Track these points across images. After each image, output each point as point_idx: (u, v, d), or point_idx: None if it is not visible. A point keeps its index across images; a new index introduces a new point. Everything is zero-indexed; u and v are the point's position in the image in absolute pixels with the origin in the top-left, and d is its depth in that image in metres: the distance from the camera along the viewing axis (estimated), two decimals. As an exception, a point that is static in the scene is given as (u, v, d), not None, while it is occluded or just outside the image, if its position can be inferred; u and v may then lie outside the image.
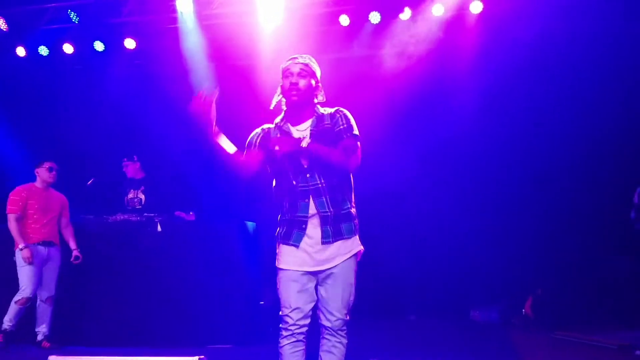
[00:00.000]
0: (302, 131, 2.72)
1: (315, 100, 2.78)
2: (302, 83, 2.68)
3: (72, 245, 5.16)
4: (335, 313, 2.68)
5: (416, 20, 6.24)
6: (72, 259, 5.09)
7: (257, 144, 2.82)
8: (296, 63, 2.72)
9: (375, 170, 6.36)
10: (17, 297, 4.82)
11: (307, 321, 2.69)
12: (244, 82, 6.66)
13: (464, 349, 4.79)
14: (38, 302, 4.97)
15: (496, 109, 6.32)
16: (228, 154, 2.77)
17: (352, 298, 2.73)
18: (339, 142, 2.68)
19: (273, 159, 2.71)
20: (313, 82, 2.73)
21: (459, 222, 6.41)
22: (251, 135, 2.89)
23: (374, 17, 6.24)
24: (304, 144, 2.59)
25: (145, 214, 5.48)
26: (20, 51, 6.95)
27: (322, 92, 2.81)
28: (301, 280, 2.68)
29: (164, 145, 6.94)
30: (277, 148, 2.58)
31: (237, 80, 6.77)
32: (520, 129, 6.30)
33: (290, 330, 2.65)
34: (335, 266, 2.68)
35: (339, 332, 2.70)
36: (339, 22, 6.34)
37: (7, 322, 4.83)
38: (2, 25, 6.50)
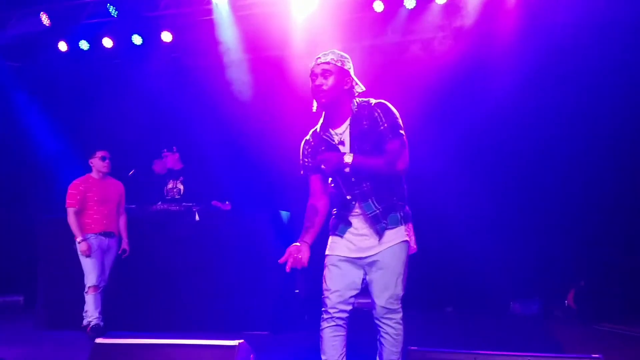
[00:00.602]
0: (340, 134, 2.73)
1: (350, 94, 2.74)
2: (328, 83, 2.65)
3: (124, 236, 5.22)
4: (376, 300, 2.69)
5: (452, 3, 6.11)
6: (119, 251, 5.18)
7: (310, 163, 2.84)
8: (318, 64, 2.70)
9: (411, 159, 6.30)
10: (85, 289, 4.95)
11: (348, 307, 2.73)
12: (278, 72, 6.67)
13: (504, 341, 4.70)
14: None
15: (539, 95, 6.12)
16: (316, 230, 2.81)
17: (399, 287, 2.71)
18: (383, 144, 2.66)
19: (324, 172, 2.76)
20: (339, 78, 2.67)
21: (500, 213, 6.26)
22: (301, 149, 2.91)
23: (409, 2, 6.13)
24: (348, 159, 2.61)
25: (184, 204, 5.57)
26: (62, 46, 7.13)
27: (357, 83, 2.76)
28: (342, 265, 2.73)
29: (200, 137, 7.03)
30: (323, 167, 2.66)
31: (271, 71, 6.79)
32: (565, 116, 6.10)
33: (330, 313, 2.70)
34: (377, 253, 2.69)
35: (384, 320, 2.69)
36: (372, 9, 6.26)
37: (88, 316, 4.90)
38: (45, 21, 6.67)
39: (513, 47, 6.04)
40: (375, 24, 6.50)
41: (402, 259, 2.72)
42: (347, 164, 2.62)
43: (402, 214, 2.74)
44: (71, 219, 5.01)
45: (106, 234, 5.08)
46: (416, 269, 6.42)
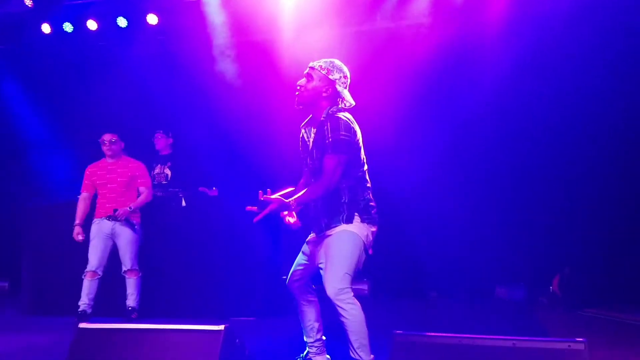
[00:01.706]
0: (312, 136, 3.02)
1: (330, 103, 2.96)
2: (307, 85, 2.94)
3: (132, 206, 4.91)
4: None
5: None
6: (131, 225, 4.92)
7: (300, 153, 3.17)
8: (309, 66, 2.98)
9: (396, 146, 6.29)
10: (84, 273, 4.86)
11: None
12: (266, 57, 6.61)
13: (488, 326, 4.74)
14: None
15: (530, 81, 6.11)
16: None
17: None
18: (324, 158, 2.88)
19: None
20: (318, 84, 2.92)
21: (486, 198, 6.29)
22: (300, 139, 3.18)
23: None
24: (293, 206, 2.84)
25: (170, 189, 5.53)
26: (46, 28, 6.99)
27: (344, 97, 2.96)
28: None
29: (188, 121, 6.96)
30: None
31: (260, 56, 6.72)
32: (554, 104, 6.10)
33: None
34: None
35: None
36: (361, -7, 6.20)
37: (80, 301, 4.77)
38: (28, 2, 6.52)
39: (505, 32, 6.01)
40: (363, 9, 6.44)
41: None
42: (292, 208, 2.86)
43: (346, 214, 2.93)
44: (78, 204, 4.97)
45: (110, 218, 4.87)
46: (401, 254, 6.52)
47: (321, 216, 2.98)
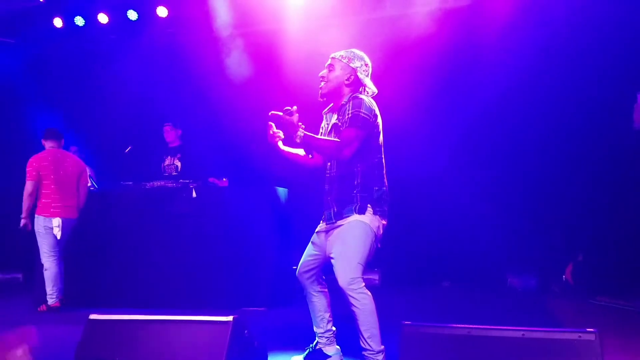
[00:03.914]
0: (331, 121, 3.03)
1: (353, 90, 2.97)
2: (329, 76, 2.98)
3: None
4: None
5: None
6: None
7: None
8: (330, 57, 3.02)
9: (409, 135, 6.25)
10: None
11: None
12: (275, 46, 6.59)
13: (501, 315, 4.72)
14: None
15: (540, 73, 6.03)
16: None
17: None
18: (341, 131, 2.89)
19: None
20: (340, 73, 2.97)
21: (499, 187, 6.25)
22: None
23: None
24: (300, 133, 2.81)
25: (181, 180, 5.55)
26: (58, 22, 7.05)
27: (366, 84, 2.98)
28: None
29: (197, 113, 6.98)
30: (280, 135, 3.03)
31: (268, 45, 6.70)
32: (565, 95, 6.02)
33: None
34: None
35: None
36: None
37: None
38: (39, -4, 6.57)
39: (520, 20, 5.93)
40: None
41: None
42: (297, 137, 2.82)
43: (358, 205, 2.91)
44: None
45: None
46: (414, 244, 6.50)
47: (333, 203, 2.96)
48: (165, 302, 5.06)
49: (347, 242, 2.85)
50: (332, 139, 2.93)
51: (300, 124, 2.81)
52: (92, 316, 2.56)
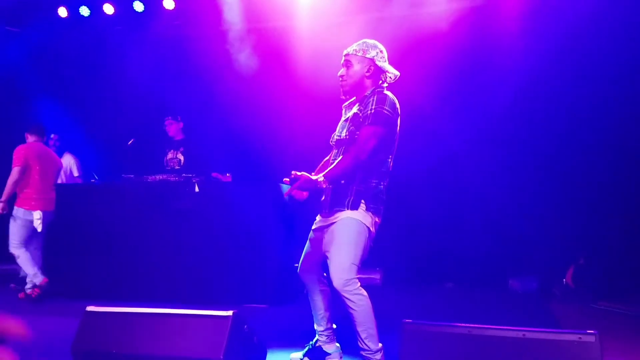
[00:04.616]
0: (349, 114, 2.98)
1: (374, 79, 2.95)
2: (348, 72, 2.95)
3: None
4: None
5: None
6: None
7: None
8: (343, 55, 2.99)
9: (412, 134, 6.23)
10: None
11: None
12: (282, 43, 6.56)
13: (501, 317, 4.70)
14: None
15: (546, 76, 6.00)
16: None
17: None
18: (360, 128, 2.85)
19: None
20: (359, 67, 2.93)
21: (501, 190, 6.22)
22: None
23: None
24: (322, 184, 2.75)
25: (184, 174, 5.53)
26: (62, 12, 7.03)
27: (387, 69, 2.95)
28: None
29: (202, 107, 6.96)
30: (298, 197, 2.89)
31: (275, 42, 6.68)
32: (569, 97, 5.99)
33: None
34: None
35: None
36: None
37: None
38: (44, -14, 6.55)
39: (531, 20, 5.89)
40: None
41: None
42: (322, 188, 2.78)
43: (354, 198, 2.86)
44: None
45: None
46: (416, 244, 6.47)
47: (327, 193, 2.94)
48: (166, 297, 5.05)
49: (341, 243, 2.81)
50: (345, 154, 2.85)
51: (308, 174, 2.77)
52: (89, 308, 2.55)
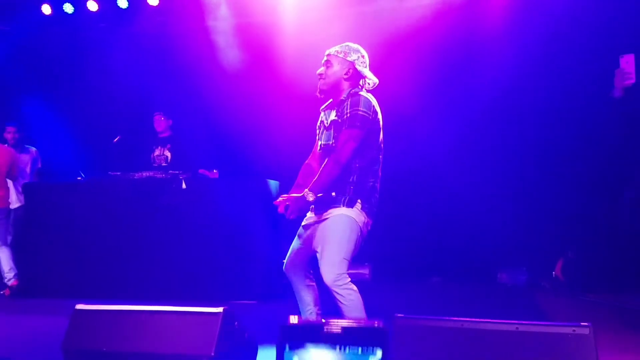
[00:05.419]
0: (330, 118, 2.99)
1: (352, 84, 2.95)
2: (327, 72, 2.96)
3: None
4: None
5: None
6: None
7: (317, 133, 3.16)
8: (325, 54, 3.00)
9: (400, 129, 6.22)
10: None
11: None
12: (267, 38, 6.53)
13: (490, 310, 4.71)
14: None
15: (530, 71, 6.01)
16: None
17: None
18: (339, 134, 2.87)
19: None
20: (338, 68, 2.94)
21: (489, 183, 6.24)
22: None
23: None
24: (309, 197, 2.80)
25: (170, 171, 5.49)
26: (46, 9, 6.94)
27: (366, 75, 2.96)
28: None
29: (188, 103, 6.90)
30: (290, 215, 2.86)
31: (260, 37, 6.64)
32: (557, 91, 6.01)
33: None
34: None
35: None
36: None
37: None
38: (27, -18, 6.45)
39: (518, 14, 5.90)
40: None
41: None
42: (310, 201, 2.81)
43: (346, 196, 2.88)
44: None
45: None
46: (405, 239, 6.48)
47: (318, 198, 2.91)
48: (154, 295, 4.99)
49: (332, 237, 2.81)
50: (327, 161, 2.88)
51: (295, 194, 2.84)
52: (79, 306, 2.51)
